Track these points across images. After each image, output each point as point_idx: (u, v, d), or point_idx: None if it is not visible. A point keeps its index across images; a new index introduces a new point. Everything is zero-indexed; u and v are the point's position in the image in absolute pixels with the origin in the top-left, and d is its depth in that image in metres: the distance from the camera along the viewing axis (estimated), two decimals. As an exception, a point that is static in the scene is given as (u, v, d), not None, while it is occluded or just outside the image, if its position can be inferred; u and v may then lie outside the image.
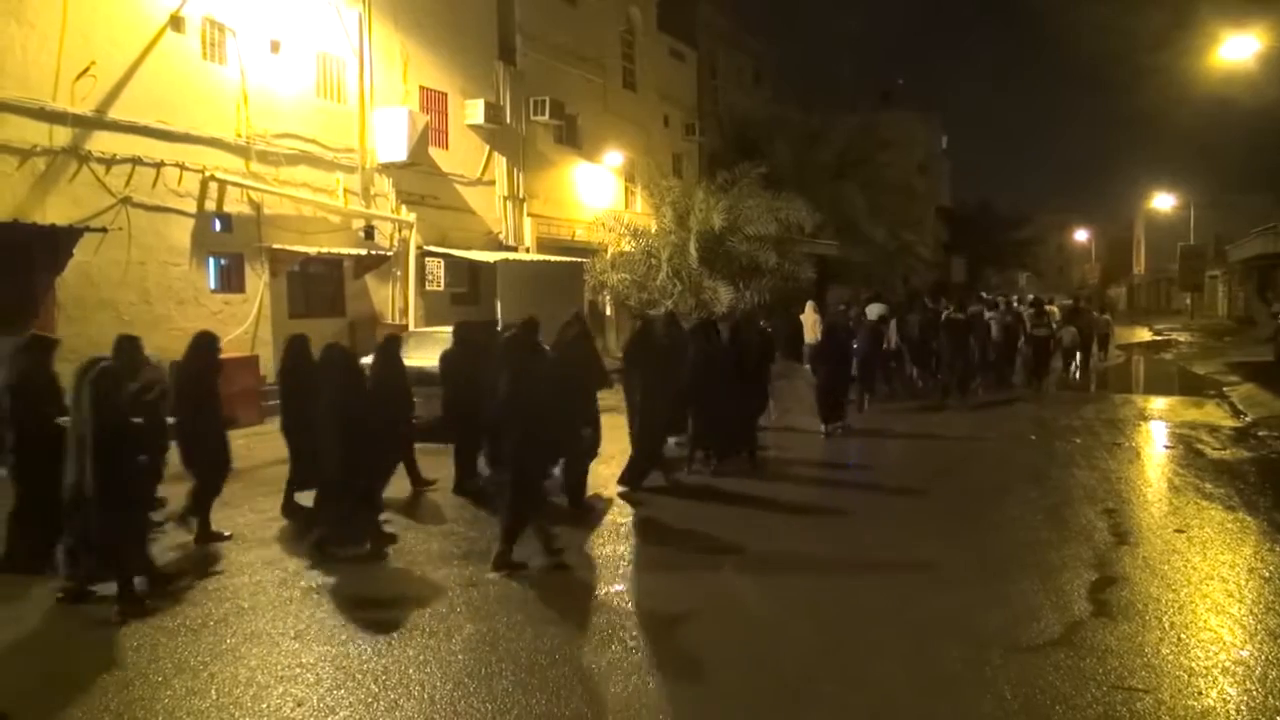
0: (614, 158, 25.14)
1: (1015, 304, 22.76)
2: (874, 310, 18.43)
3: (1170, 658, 5.14)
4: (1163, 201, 54.12)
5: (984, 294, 31.63)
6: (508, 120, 20.77)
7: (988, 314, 18.89)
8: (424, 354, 10.53)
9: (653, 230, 23.98)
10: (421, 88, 18.58)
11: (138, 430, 6.14)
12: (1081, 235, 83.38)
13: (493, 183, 20.93)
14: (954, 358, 16.47)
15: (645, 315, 14.25)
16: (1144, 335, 37.75)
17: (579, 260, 21.89)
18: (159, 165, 13.48)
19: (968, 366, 16.79)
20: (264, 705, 4.69)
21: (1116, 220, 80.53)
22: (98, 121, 12.70)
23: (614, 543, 7.72)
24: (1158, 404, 16.86)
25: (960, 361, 16.53)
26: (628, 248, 23.59)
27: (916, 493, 9.70)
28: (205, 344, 7.73)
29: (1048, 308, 21.03)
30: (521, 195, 21.84)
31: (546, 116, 21.79)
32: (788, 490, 9.69)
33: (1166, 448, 12.43)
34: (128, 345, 7.49)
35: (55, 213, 12.04)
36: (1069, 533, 7.86)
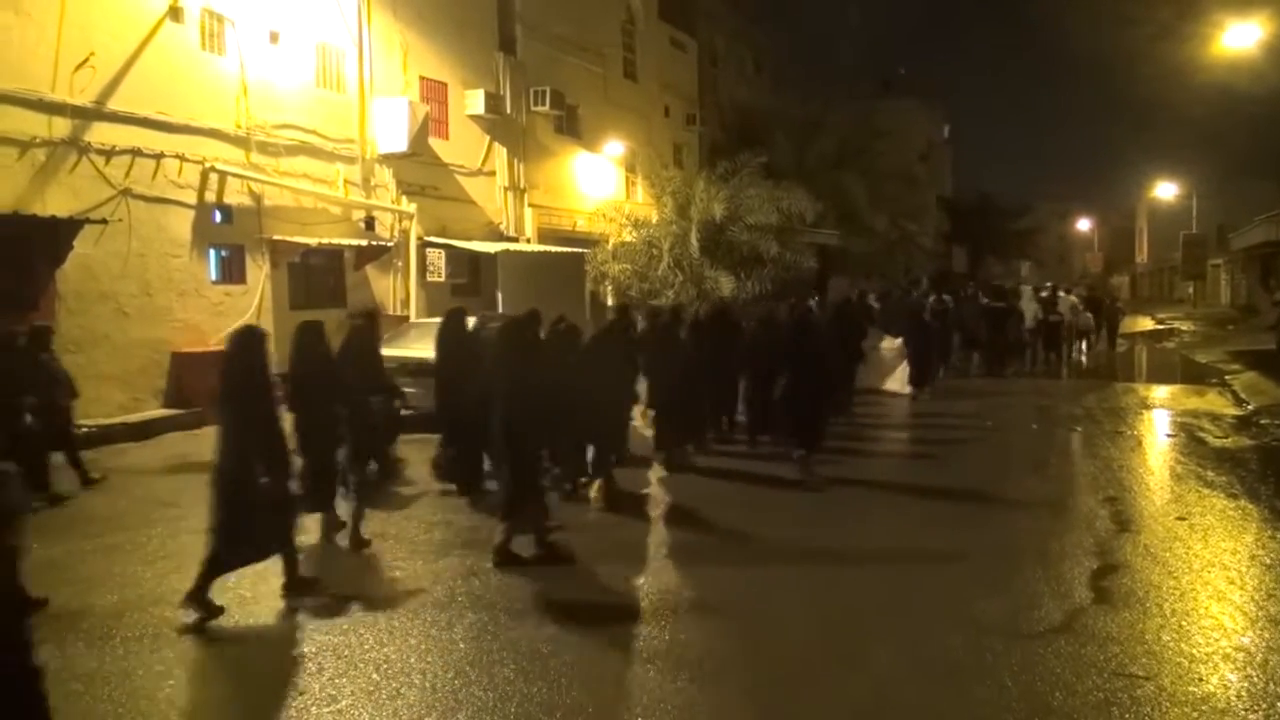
0: (614, 148, 25.07)
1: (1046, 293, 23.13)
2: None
3: (1171, 644, 5.14)
4: (1165, 190, 53.92)
5: (1004, 285, 31.68)
6: (508, 110, 20.71)
7: (1022, 303, 20.75)
8: (426, 345, 10.45)
9: (654, 220, 23.93)
10: (421, 78, 18.53)
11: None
12: (1083, 224, 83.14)
13: (493, 173, 20.88)
14: (993, 341, 19.07)
15: (666, 307, 14.41)
16: (1146, 324, 37.70)
17: (580, 251, 21.85)
18: (159, 156, 13.44)
19: (1004, 350, 19.17)
20: (267, 694, 4.69)
21: (1118, 209, 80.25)
22: (97, 113, 12.65)
23: (618, 529, 7.71)
24: (1160, 392, 16.85)
25: (998, 345, 19.03)
26: (629, 238, 23.55)
27: (917, 478, 9.69)
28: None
29: (1067, 296, 22.23)
30: (522, 186, 21.79)
31: (547, 107, 21.72)
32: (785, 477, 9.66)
33: (1168, 436, 12.43)
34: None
35: (55, 204, 12.02)
36: (1070, 520, 7.86)
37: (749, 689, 4.77)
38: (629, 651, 5.18)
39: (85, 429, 10.77)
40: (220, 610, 5.59)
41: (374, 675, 4.85)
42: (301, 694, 4.66)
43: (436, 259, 18.31)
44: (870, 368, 15.12)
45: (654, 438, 10.20)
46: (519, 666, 4.92)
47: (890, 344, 16.03)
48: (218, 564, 5.62)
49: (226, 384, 5.81)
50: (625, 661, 5.05)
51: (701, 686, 4.77)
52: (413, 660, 5.04)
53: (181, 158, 13.76)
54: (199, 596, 5.54)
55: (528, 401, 6.79)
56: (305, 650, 5.20)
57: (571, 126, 23.65)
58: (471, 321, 9.74)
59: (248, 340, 5.97)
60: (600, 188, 24.96)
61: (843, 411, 12.55)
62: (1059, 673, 4.77)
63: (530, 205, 22.06)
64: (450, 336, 9.09)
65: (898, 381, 15.85)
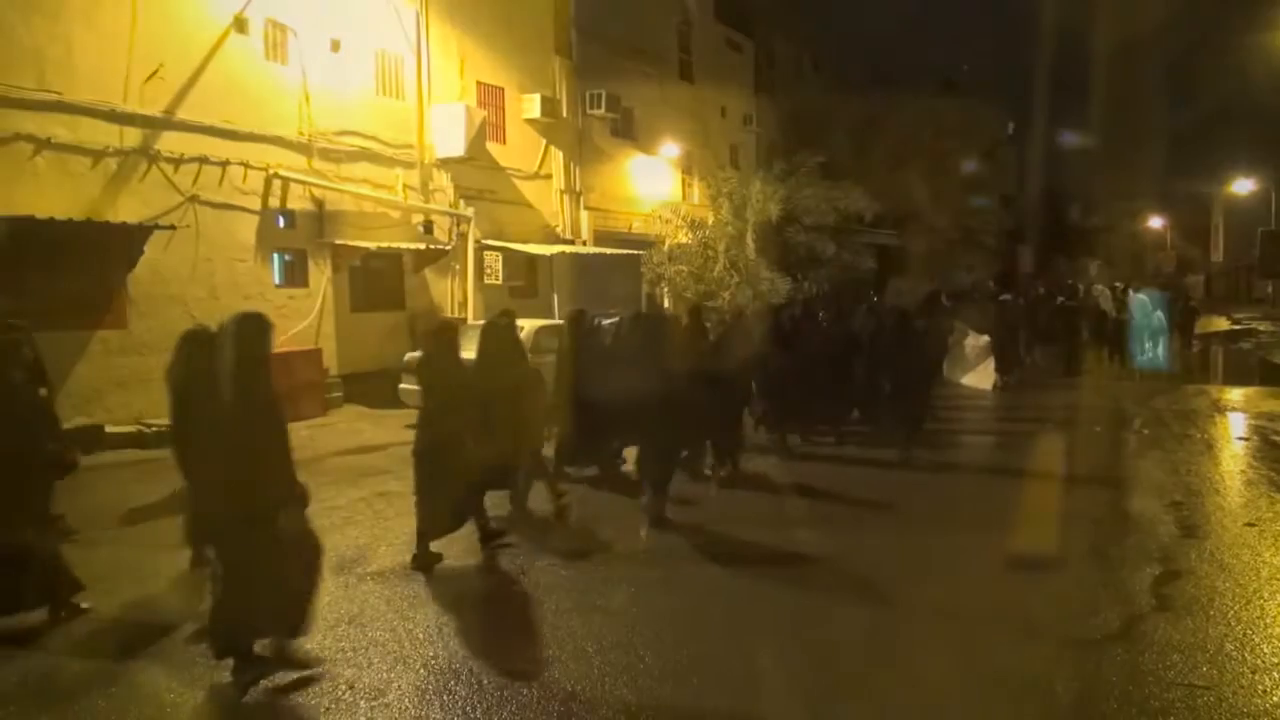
0: (670, 150, 25.07)
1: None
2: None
3: (1234, 654, 4.97)
4: (1242, 185, 52.07)
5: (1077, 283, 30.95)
6: (564, 114, 20.86)
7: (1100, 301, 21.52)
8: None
9: (710, 222, 23.89)
10: (478, 83, 18.75)
11: None
12: (1155, 222, 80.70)
13: (550, 176, 21.04)
14: (1068, 339, 19.40)
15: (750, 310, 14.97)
16: (1222, 324, 36.44)
17: (636, 253, 21.90)
18: (224, 164, 13.82)
19: (1077, 349, 19.39)
20: (317, 686, 4.79)
21: (1192, 206, 77.70)
22: (165, 122, 13.06)
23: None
24: (1234, 395, 16.28)
25: (1071, 342, 19.29)
26: (685, 239, 23.54)
27: (974, 481, 9.53)
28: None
29: (1136, 294, 22.00)
30: (578, 188, 21.92)
31: (603, 110, 21.82)
32: (842, 482, 9.58)
33: (1241, 439, 12.00)
34: None
35: (126, 211, 12.43)
36: (1132, 525, 7.64)
37: (803, 690, 4.74)
38: (683, 657, 5.19)
39: (154, 428, 11.16)
40: (439, 557, 6.65)
41: (422, 671, 4.95)
42: (351, 687, 4.74)
43: (494, 262, 18.51)
44: (953, 362, 16.02)
45: (764, 426, 11.19)
46: (565, 667, 4.98)
47: (975, 340, 16.47)
48: (424, 534, 6.62)
49: (427, 374, 7.11)
50: (674, 674, 5.06)
51: (755, 691, 4.73)
52: (461, 655, 5.13)
53: (246, 165, 14.13)
54: (422, 557, 6.56)
55: (680, 387, 7.75)
56: (357, 644, 5.29)
57: (627, 129, 23.72)
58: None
59: (446, 332, 7.22)
60: (656, 190, 24.98)
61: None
62: (1114, 681, 4.64)
63: (586, 208, 22.18)
64: (579, 333, 9.99)
65: (979, 377, 16.37)
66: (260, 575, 4.68)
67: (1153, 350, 21.78)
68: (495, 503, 7.44)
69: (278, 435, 4.71)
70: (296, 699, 4.68)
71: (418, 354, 9.32)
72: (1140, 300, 21.36)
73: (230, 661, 4.70)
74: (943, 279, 32.21)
